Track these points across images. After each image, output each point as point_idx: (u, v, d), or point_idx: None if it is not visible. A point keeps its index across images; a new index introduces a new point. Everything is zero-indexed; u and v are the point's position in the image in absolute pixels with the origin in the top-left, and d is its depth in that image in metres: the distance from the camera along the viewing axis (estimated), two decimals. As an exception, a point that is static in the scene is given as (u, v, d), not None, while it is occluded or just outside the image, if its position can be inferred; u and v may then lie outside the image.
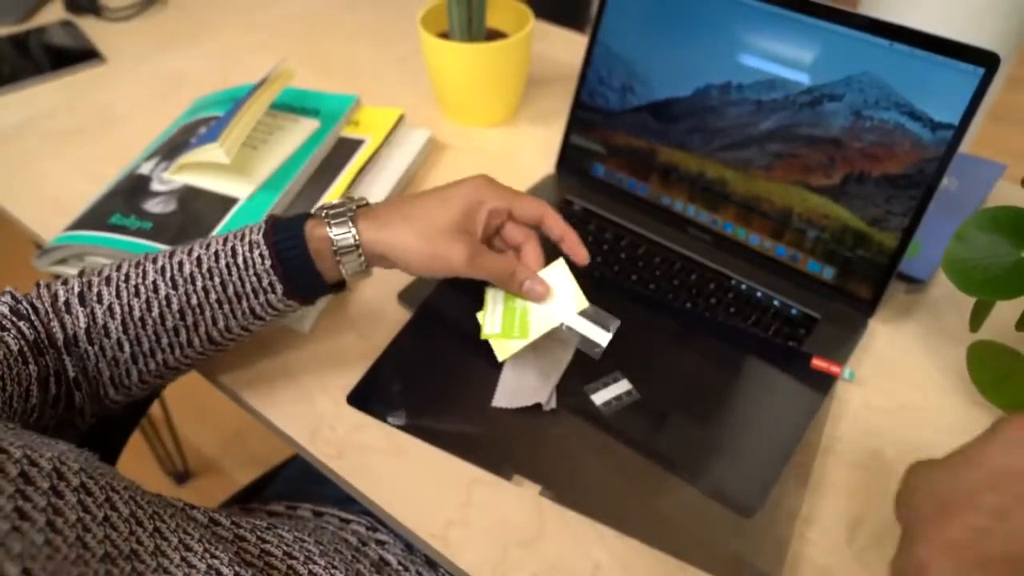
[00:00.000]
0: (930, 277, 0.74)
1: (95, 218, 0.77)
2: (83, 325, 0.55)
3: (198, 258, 0.57)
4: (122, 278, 0.56)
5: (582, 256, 0.61)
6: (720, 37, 0.73)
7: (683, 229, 0.79)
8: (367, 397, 0.65)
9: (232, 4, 1.26)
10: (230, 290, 0.56)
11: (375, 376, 0.67)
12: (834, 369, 0.66)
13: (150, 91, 1.05)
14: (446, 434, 0.62)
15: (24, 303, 0.55)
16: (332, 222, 0.56)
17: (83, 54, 1.12)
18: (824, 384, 0.66)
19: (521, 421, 0.63)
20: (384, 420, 0.64)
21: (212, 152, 0.75)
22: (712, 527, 0.56)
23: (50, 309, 0.55)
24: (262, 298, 0.57)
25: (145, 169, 0.82)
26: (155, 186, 0.80)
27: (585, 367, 0.65)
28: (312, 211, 0.59)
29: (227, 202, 0.77)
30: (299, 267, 0.56)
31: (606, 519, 0.57)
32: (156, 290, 0.56)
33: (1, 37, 1.16)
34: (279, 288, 0.57)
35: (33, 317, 0.54)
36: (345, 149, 0.85)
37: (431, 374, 0.67)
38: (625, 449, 0.61)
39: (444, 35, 0.92)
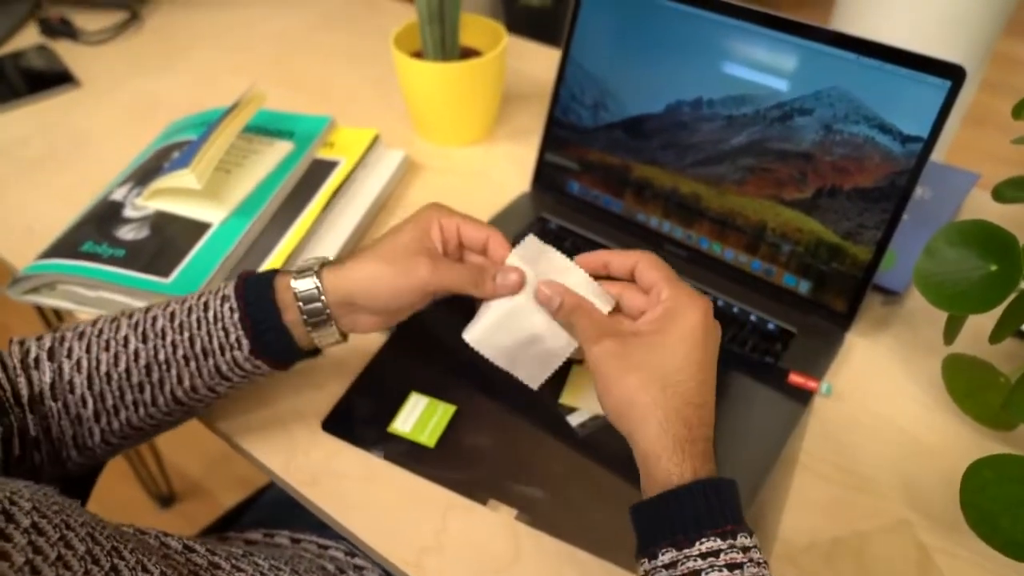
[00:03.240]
0: (906, 289, 0.74)
1: (67, 246, 0.76)
2: (48, 380, 0.54)
3: (171, 312, 0.56)
4: (95, 332, 0.56)
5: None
6: (690, 53, 0.73)
7: (659, 245, 0.79)
8: (342, 423, 0.65)
9: (207, 25, 1.26)
10: (197, 346, 0.55)
11: (350, 402, 0.66)
12: (811, 384, 0.66)
13: (125, 115, 1.04)
14: (420, 459, 0.62)
15: None
16: (296, 274, 0.55)
17: (57, 78, 1.11)
18: (802, 400, 0.65)
19: (496, 444, 0.62)
20: (359, 446, 0.63)
21: (183, 178, 0.75)
22: (689, 548, 0.56)
23: (19, 365, 0.54)
24: (228, 355, 0.55)
25: (118, 195, 0.82)
26: (128, 212, 0.79)
27: (559, 386, 0.65)
28: (278, 281, 0.57)
29: (200, 227, 0.77)
30: (266, 322, 0.55)
31: (582, 543, 0.56)
32: (126, 344, 0.55)
33: (-25, 63, 1.15)
34: (245, 345, 0.55)
35: (0, 374, 0.53)
36: (319, 171, 0.84)
37: (406, 399, 0.66)
38: (602, 470, 0.60)
39: (418, 55, 0.92)
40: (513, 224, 0.83)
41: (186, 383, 0.56)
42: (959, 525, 0.52)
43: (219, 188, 0.80)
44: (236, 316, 0.55)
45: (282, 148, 0.86)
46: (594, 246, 0.80)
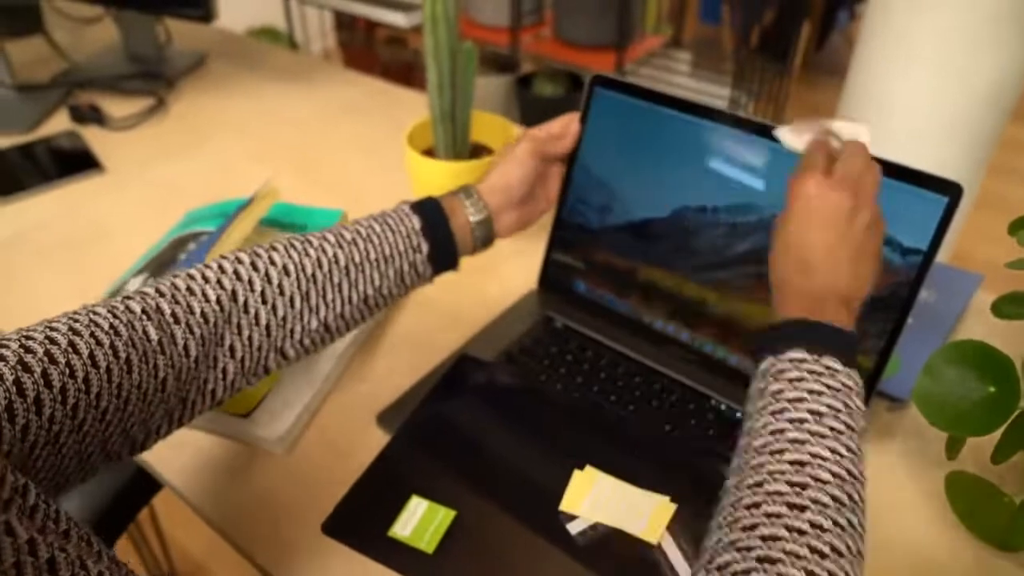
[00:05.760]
0: (911, 395, 0.73)
1: (81, 337, 0.78)
2: (259, 288, 0.59)
3: (356, 230, 0.65)
4: (288, 245, 0.62)
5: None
6: (694, 160, 0.75)
7: (663, 347, 0.80)
8: (342, 526, 0.65)
9: (231, 112, 1.30)
10: (386, 250, 0.65)
11: (351, 504, 0.66)
12: (814, 495, 0.65)
13: (145, 201, 1.07)
14: (419, 565, 0.61)
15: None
16: (471, 210, 0.71)
17: (83, 163, 1.15)
18: (804, 510, 0.65)
19: (494, 551, 0.62)
20: (358, 551, 0.63)
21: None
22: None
23: (218, 279, 0.58)
24: (411, 257, 0.67)
25: (132, 286, 0.84)
26: (142, 304, 0.81)
27: (559, 493, 0.65)
28: (440, 197, 0.71)
29: (212, 320, 0.78)
30: (443, 240, 0.69)
31: (580, 661, 0.56)
32: (324, 250, 0.63)
33: (9, 147, 1.19)
34: (425, 248, 0.67)
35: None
36: (331, 265, 0.86)
37: (407, 502, 0.66)
38: (602, 583, 0.60)
39: (430, 152, 0.95)
40: (519, 323, 0.84)
41: (376, 283, 0.65)
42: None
43: (232, 281, 0.82)
44: (418, 226, 0.67)
45: (295, 242, 0.87)
46: (599, 347, 0.81)
